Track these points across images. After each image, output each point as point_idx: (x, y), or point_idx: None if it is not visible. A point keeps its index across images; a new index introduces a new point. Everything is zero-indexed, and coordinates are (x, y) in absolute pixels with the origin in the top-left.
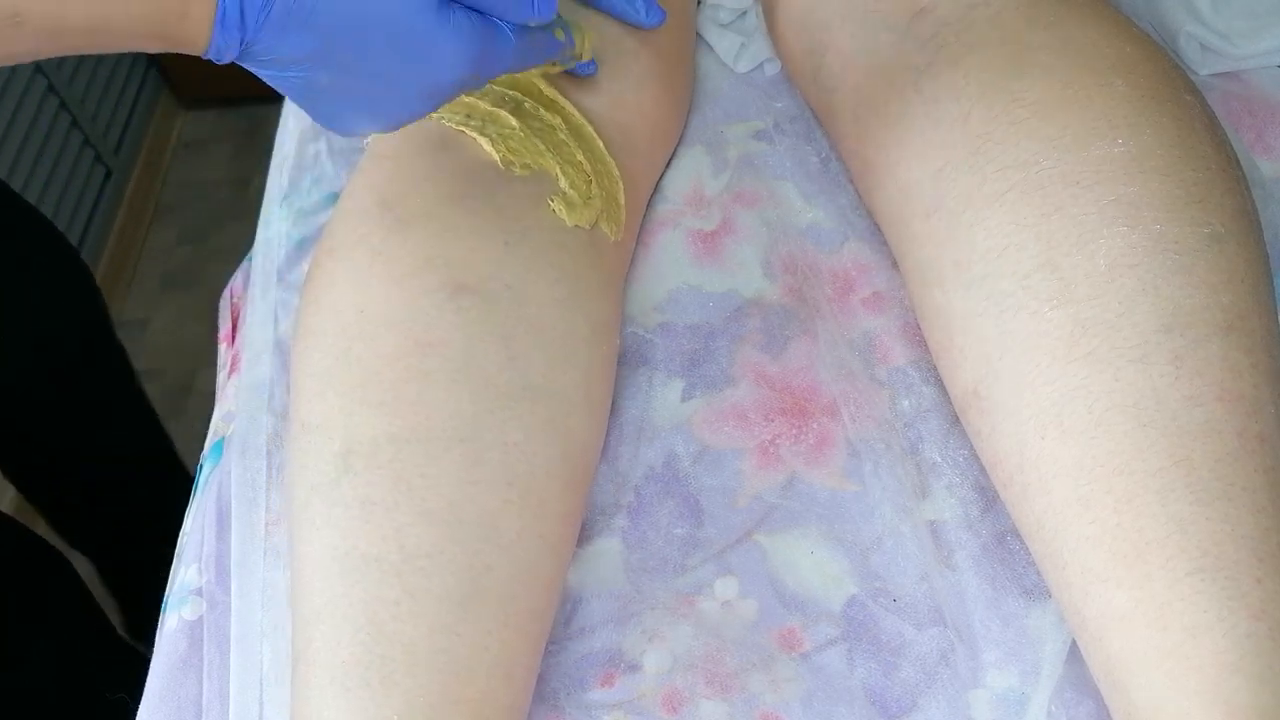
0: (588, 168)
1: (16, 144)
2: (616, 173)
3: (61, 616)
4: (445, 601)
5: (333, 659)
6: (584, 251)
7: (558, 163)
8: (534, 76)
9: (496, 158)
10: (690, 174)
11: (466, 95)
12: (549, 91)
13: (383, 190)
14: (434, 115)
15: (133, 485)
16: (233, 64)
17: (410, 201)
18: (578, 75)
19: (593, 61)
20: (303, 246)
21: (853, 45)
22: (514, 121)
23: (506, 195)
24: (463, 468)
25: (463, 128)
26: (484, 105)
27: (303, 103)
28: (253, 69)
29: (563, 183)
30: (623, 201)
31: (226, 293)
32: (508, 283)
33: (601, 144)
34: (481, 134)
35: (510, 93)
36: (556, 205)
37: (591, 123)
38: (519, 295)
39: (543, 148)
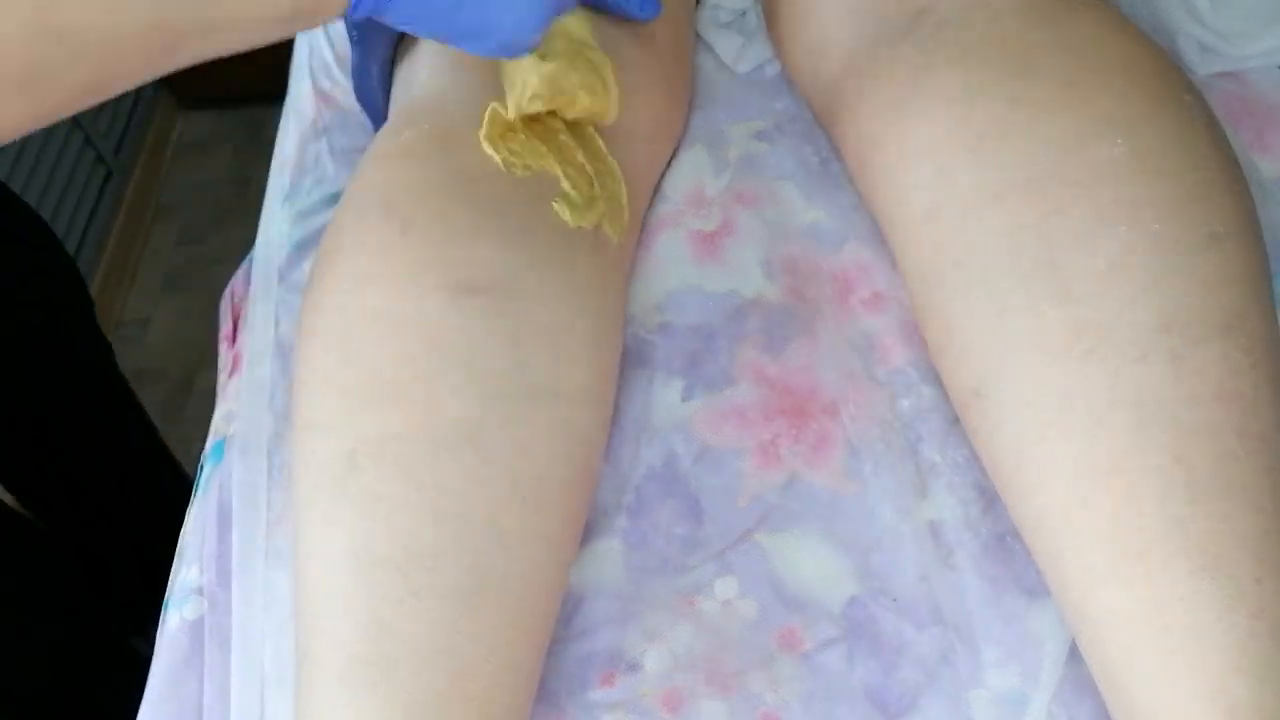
0: (590, 169)
1: (16, 144)
2: (619, 173)
3: (58, 610)
4: (449, 600)
5: (337, 657)
6: (587, 252)
7: (559, 164)
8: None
9: (498, 160)
10: (691, 174)
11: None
12: None
13: (385, 192)
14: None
15: (122, 482)
16: (233, 65)
17: (413, 203)
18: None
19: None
20: (303, 247)
21: (853, 45)
22: (515, 124)
23: (509, 196)
24: (469, 467)
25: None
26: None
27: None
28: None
29: (565, 184)
30: (625, 202)
31: (227, 293)
32: (511, 283)
33: (603, 144)
34: (483, 136)
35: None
36: (559, 207)
37: None
38: (523, 296)
39: (544, 150)
